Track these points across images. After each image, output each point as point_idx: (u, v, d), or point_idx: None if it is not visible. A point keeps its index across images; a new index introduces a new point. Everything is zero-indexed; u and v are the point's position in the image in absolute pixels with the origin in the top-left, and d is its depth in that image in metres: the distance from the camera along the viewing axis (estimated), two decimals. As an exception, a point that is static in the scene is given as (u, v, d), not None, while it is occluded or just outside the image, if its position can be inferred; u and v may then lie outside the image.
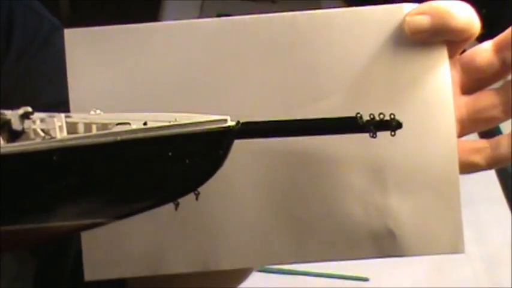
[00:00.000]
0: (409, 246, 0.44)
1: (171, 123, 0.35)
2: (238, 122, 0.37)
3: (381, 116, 0.40)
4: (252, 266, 0.45)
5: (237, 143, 0.41)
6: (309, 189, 0.44)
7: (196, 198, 0.38)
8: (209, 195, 0.43)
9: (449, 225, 0.44)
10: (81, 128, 0.38)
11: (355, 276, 0.97)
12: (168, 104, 0.42)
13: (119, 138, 0.35)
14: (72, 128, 0.38)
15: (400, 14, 0.43)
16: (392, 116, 0.40)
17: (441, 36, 0.43)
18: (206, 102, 0.42)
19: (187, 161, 0.36)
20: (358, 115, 0.39)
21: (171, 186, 0.37)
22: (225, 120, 0.36)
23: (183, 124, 0.35)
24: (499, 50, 0.44)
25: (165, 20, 1.39)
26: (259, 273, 0.94)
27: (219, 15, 1.38)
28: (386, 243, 0.44)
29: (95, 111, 0.38)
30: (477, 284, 0.95)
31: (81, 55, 0.43)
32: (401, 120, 0.40)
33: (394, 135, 0.40)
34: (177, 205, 0.39)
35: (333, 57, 0.43)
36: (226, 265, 0.44)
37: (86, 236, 0.43)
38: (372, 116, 0.39)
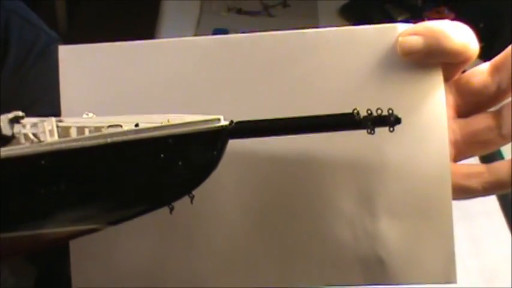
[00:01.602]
0: (398, 275, 0.43)
1: (163, 124, 0.35)
2: (231, 122, 0.36)
3: (379, 112, 0.38)
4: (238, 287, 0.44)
5: (223, 163, 0.41)
6: (297, 212, 0.43)
7: (191, 202, 0.37)
8: (194, 214, 0.42)
9: (441, 254, 0.43)
10: (73, 132, 0.37)
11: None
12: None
13: (109, 140, 0.34)
14: (65, 132, 0.37)
15: (394, 33, 0.42)
16: (390, 111, 0.39)
17: (436, 58, 0.42)
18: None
19: (180, 162, 0.35)
20: (355, 111, 0.38)
21: (164, 189, 0.36)
22: (219, 120, 0.35)
23: (175, 125, 0.34)
24: (494, 72, 0.43)
25: (161, 35, 1.39)
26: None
27: (215, 30, 1.39)
28: (374, 271, 0.43)
29: (87, 115, 0.38)
30: (476, 297, 0.94)
31: (73, 71, 0.43)
32: (399, 116, 0.39)
33: (392, 131, 0.39)
34: (171, 209, 0.38)
35: (324, 77, 0.42)
36: (211, 284, 0.43)
37: (74, 245, 0.43)
38: (369, 112, 0.38)
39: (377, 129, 0.41)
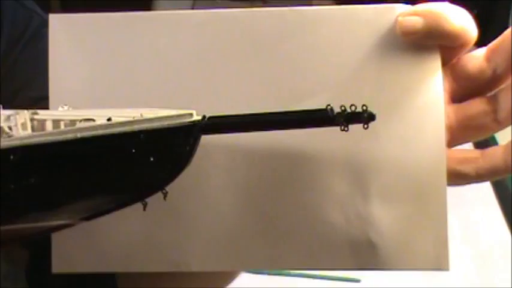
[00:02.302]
0: (390, 260, 0.42)
1: (135, 118, 0.34)
2: (204, 117, 0.36)
3: (353, 108, 0.38)
4: (225, 270, 0.44)
5: (212, 143, 0.41)
6: (287, 194, 0.42)
7: (164, 198, 0.37)
8: (182, 194, 0.42)
9: (434, 240, 0.42)
10: (49, 125, 0.37)
11: (347, 278, 0.96)
12: (148, 94, 0.41)
13: (78, 135, 0.34)
14: (40, 125, 0.37)
15: (392, 14, 0.41)
16: (364, 108, 0.38)
17: (434, 40, 0.42)
18: (187, 94, 0.41)
19: (151, 158, 0.35)
20: (329, 107, 0.37)
21: (136, 185, 0.36)
22: (191, 115, 0.35)
23: (146, 119, 0.34)
24: (490, 57, 0.42)
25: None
26: (248, 274, 0.93)
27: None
28: (366, 255, 0.42)
29: (62, 107, 0.37)
30: (469, 284, 0.94)
31: (64, 41, 0.42)
32: (374, 112, 0.38)
33: (366, 128, 0.38)
34: (145, 205, 0.37)
35: (320, 56, 0.41)
36: (197, 267, 0.42)
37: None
38: (343, 108, 0.37)
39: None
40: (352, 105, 0.37)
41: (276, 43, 0.42)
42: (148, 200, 0.37)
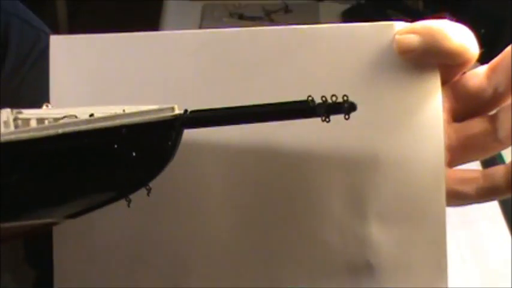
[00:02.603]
0: (387, 281, 0.42)
1: (116, 113, 0.34)
2: (186, 111, 0.35)
3: (333, 99, 0.37)
4: None
5: (208, 162, 0.41)
6: (285, 214, 0.42)
7: (148, 194, 0.36)
8: (181, 214, 0.42)
9: (432, 262, 0.41)
10: (33, 123, 0.36)
11: None
12: None
13: (60, 131, 0.33)
14: (25, 124, 0.37)
15: (391, 32, 0.40)
16: (345, 98, 0.37)
17: (432, 58, 0.40)
18: None
19: (134, 153, 0.34)
20: (310, 98, 0.36)
21: (119, 181, 0.35)
22: (172, 109, 0.34)
23: (128, 114, 0.33)
24: (491, 75, 0.41)
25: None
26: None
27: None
28: (362, 275, 0.42)
29: (46, 106, 0.37)
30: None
31: (64, 62, 0.42)
32: (356, 102, 0.37)
33: (348, 118, 0.37)
34: (129, 202, 0.37)
35: (319, 74, 0.41)
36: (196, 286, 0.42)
37: (57, 246, 0.43)
38: (324, 99, 0.36)
39: (370, 130, 0.40)
40: (333, 95, 0.37)
41: (274, 61, 0.41)
42: (132, 196, 0.36)
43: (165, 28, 1.45)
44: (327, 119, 0.36)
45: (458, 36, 0.39)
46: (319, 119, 0.38)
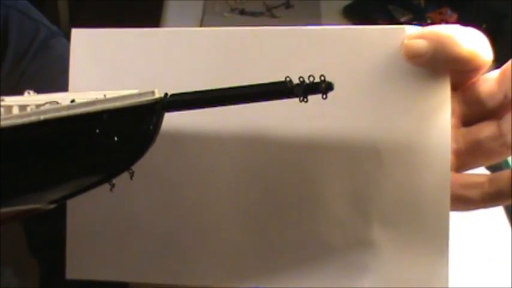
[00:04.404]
0: (387, 284, 0.41)
1: (97, 99, 0.34)
2: (166, 94, 0.35)
3: (311, 79, 0.37)
4: (224, 286, 0.43)
5: (214, 163, 0.41)
6: (287, 211, 0.42)
7: (131, 177, 0.36)
8: (184, 209, 0.42)
9: (434, 267, 0.41)
10: (16, 110, 0.37)
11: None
12: None
13: (42, 117, 0.34)
14: (7, 111, 0.37)
15: (401, 35, 0.40)
16: (322, 78, 0.37)
17: (441, 64, 0.40)
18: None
19: (116, 138, 0.34)
20: (288, 79, 0.36)
21: (101, 165, 0.35)
22: (153, 93, 0.35)
23: (109, 99, 0.33)
24: (501, 81, 0.40)
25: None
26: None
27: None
28: (363, 277, 0.42)
29: (28, 93, 0.37)
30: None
31: (85, 55, 0.43)
32: (332, 82, 0.37)
33: (325, 98, 0.37)
34: (112, 186, 0.37)
35: (327, 76, 0.40)
36: (196, 282, 0.43)
37: (71, 236, 0.44)
38: (301, 79, 0.36)
39: (377, 133, 0.40)
40: (310, 75, 0.36)
41: (282, 62, 0.41)
42: (115, 180, 0.36)
43: (166, 22, 1.45)
44: (305, 99, 0.36)
45: (469, 42, 0.39)
46: (328, 117, 0.39)
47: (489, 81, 0.41)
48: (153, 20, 1.49)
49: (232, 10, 1.47)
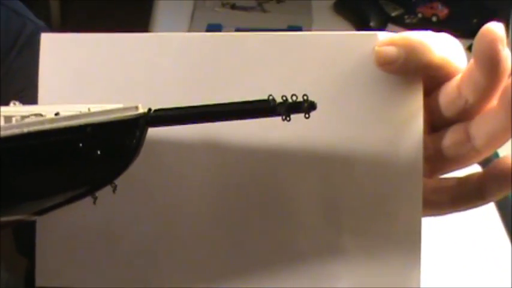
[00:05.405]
0: None
1: (81, 112, 0.34)
2: (149, 109, 0.35)
3: (294, 98, 0.37)
4: None
5: (187, 167, 0.41)
6: (258, 221, 0.42)
7: (114, 191, 0.37)
8: (157, 217, 0.42)
9: (407, 274, 0.41)
10: (1, 121, 0.37)
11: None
12: None
13: (25, 130, 0.34)
14: None
15: (373, 42, 0.40)
16: (305, 97, 0.37)
17: (414, 71, 0.39)
18: None
19: (99, 152, 0.34)
20: (270, 97, 0.36)
21: (84, 179, 0.36)
22: (136, 108, 0.35)
23: (92, 113, 0.34)
24: (461, 87, 0.39)
25: (155, 31, 1.39)
26: None
27: (209, 25, 1.38)
28: (335, 286, 0.42)
29: (14, 104, 0.37)
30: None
31: (54, 60, 0.42)
32: (315, 101, 0.37)
33: (308, 117, 0.37)
34: (95, 199, 0.37)
35: (300, 82, 0.40)
36: (168, 284, 0.43)
37: (40, 244, 0.44)
38: (284, 98, 0.36)
39: (348, 141, 0.40)
40: (293, 94, 0.36)
41: (258, 67, 0.41)
42: (98, 194, 0.37)
43: (157, 17, 1.45)
44: (288, 118, 0.36)
45: (441, 49, 0.38)
46: (299, 126, 0.39)
47: (451, 87, 0.40)
48: (144, 16, 1.49)
49: (223, 5, 1.46)
